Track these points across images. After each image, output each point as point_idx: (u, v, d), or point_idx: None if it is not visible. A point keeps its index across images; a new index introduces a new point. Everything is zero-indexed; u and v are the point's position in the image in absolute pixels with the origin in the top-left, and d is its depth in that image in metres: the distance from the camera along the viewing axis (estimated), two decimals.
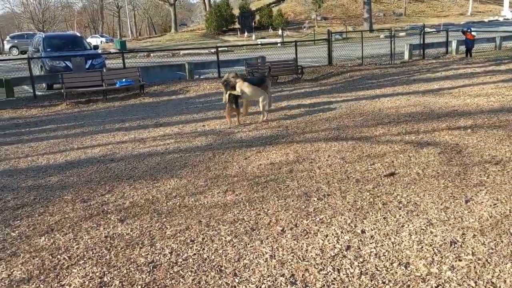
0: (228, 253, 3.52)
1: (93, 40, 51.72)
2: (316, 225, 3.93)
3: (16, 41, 39.03)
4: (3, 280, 3.28)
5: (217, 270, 3.28)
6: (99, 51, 27.58)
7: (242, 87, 8.01)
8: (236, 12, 48.22)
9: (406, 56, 18.51)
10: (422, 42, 17.99)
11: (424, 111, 8.21)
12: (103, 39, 53.16)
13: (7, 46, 39.86)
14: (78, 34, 18.63)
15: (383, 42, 22.02)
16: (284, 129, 7.62)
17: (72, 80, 11.85)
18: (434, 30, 33.08)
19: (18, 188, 5.36)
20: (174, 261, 3.44)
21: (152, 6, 77.45)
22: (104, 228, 4.10)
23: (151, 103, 11.44)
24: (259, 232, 3.85)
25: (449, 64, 15.58)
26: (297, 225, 3.95)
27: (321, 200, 4.48)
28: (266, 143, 6.75)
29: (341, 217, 4.06)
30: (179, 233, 3.92)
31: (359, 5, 50.97)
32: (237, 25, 47.11)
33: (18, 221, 4.35)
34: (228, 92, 8.04)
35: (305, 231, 3.83)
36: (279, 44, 31.64)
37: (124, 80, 12.29)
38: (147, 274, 3.27)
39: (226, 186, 5.00)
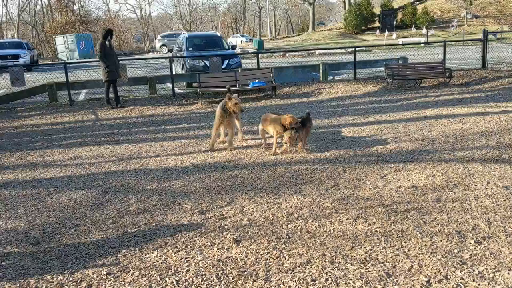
0: None
1: (234, 40, 54.09)
2: (473, 280, 3.05)
3: (166, 40, 42.47)
4: None
5: None
6: (238, 50, 28.46)
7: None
8: (377, 10, 46.24)
9: None
10: None
11: None
12: (243, 39, 55.17)
13: (158, 45, 43.61)
14: (218, 34, 19.21)
15: None
16: (429, 143, 6.58)
17: (208, 80, 12.07)
18: None
19: (143, 190, 5.30)
20: None
21: (291, 6, 78.52)
22: (218, 249, 3.71)
23: (282, 105, 11.08)
24: (396, 280, 3.09)
25: None
26: (448, 276, 3.11)
27: (479, 243, 3.54)
28: (407, 160, 5.84)
29: (508, 273, 3.11)
30: (299, 267, 3.35)
31: None
32: (377, 24, 45.18)
33: (136, 229, 4.19)
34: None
35: (458, 287, 2.97)
36: (422, 44, 29.40)
37: (257, 80, 12.17)
38: None
39: (356, 211, 4.30)
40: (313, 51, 27.45)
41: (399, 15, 46.04)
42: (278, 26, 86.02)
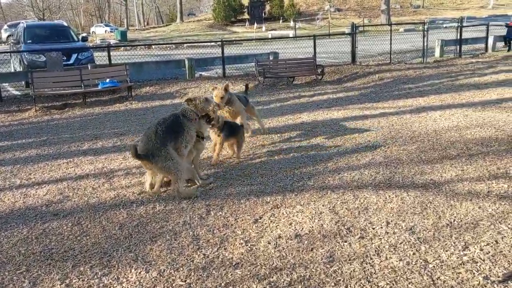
0: None
1: (97, 30, 49.79)
2: None
3: (13, 30, 37.10)
4: None
5: None
6: (98, 41, 25.46)
7: None
8: (245, 1, 45.97)
9: (437, 53, 16.27)
10: (459, 38, 15.66)
11: (500, 136, 6.03)
12: (108, 29, 51.06)
13: (4, 35, 38.18)
14: (65, 24, 16.52)
15: (405, 37, 19.89)
16: (310, 160, 5.47)
17: (43, 80, 9.75)
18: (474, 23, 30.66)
19: None
20: None
21: None
22: None
23: (139, 110, 9.33)
24: None
25: (493, 64, 13.30)
26: None
27: None
28: (286, 189, 4.62)
29: None
30: None
31: None
32: (246, 16, 44.94)
33: None
34: None
35: None
36: (291, 36, 29.47)
37: (108, 80, 10.18)
38: None
39: None
40: (181, 44, 25.74)
41: (267, 7, 46.34)
42: (147, 15, 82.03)
